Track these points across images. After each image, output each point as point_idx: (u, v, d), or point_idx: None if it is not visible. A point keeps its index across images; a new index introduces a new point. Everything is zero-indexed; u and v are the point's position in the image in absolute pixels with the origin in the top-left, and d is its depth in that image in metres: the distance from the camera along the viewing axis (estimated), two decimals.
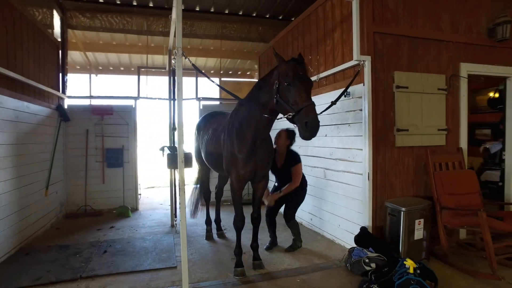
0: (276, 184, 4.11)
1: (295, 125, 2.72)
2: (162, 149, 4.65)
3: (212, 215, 4.76)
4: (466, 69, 4.01)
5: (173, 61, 2.86)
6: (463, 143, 4.03)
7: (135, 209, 6.29)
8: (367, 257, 3.15)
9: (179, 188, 2.84)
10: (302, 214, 4.98)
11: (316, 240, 4.34)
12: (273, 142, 3.60)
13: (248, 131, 3.07)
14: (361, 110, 3.64)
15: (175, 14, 3.73)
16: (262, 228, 3.61)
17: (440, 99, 3.89)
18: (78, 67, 9.04)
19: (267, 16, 7.44)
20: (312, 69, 4.74)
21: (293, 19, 7.59)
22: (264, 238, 4.16)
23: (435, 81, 3.85)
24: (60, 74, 6.04)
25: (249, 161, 3.12)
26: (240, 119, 3.16)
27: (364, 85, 3.56)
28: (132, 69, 9.49)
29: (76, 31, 6.73)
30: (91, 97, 6.41)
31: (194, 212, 4.86)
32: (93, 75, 8.96)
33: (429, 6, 3.88)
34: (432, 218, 3.48)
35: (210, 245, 4.27)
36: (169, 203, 6.89)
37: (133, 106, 6.37)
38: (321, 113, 2.70)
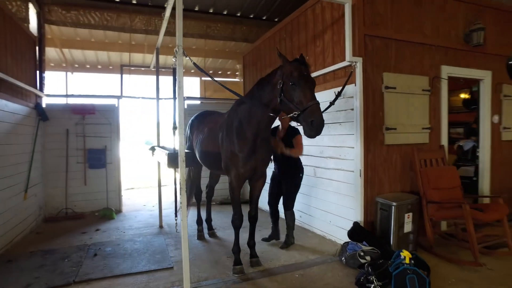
0: (274, 170, 4.12)
1: (298, 124, 2.79)
2: (153, 149, 4.57)
3: (203, 215, 4.75)
4: (446, 71, 4.27)
5: (173, 60, 2.83)
6: (444, 141, 4.29)
7: (118, 211, 6.12)
8: (361, 250, 3.28)
9: (180, 187, 2.83)
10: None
11: (307, 236, 4.44)
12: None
13: (249, 130, 3.11)
14: (352, 109, 3.78)
15: (169, 12, 3.72)
16: (244, 228, 3.64)
17: (424, 99, 4.12)
18: (53, 64, 8.64)
19: (251, 16, 7.50)
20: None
21: (276, 20, 7.71)
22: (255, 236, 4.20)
23: (420, 82, 4.07)
24: (38, 71, 5.75)
25: (249, 160, 3.16)
26: (240, 118, 3.18)
27: (355, 85, 3.70)
28: (110, 67, 9.22)
29: (53, 26, 6.44)
30: (71, 95, 6.17)
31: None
32: (68, 73, 8.63)
33: (413, 12, 4.10)
34: (419, 212, 3.69)
35: (203, 244, 4.26)
36: (153, 204, 6.86)
37: (116, 105, 6.19)
38: (323, 111, 2.78)
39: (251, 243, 3.52)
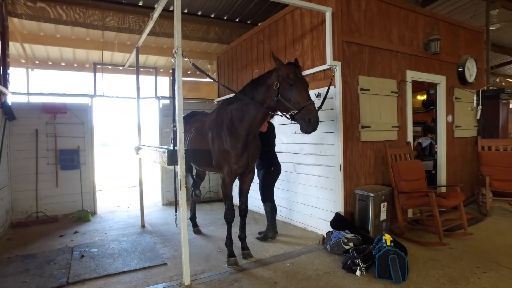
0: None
1: (292, 121, 3.04)
2: (138, 148, 4.55)
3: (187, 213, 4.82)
4: (411, 75, 4.79)
5: (172, 60, 2.93)
6: (410, 138, 4.80)
7: (93, 213, 5.94)
8: (345, 238, 3.61)
9: (180, 184, 2.94)
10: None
11: (289, 229, 4.71)
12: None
13: (241, 128, 3.29)
14: (332, 109, 4.11)
15: (158, 13, 3.79)
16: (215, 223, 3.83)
17: (393, 100, 4.58)
18: (8, 60, 8.07)
19: (225, 18, 7.64)
20: None
21: (249, 22, 7.94)
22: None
23: (389, 85, 4.52)
24: (1, 68, 5.41)
25: (241, 157, 3.35)
26: (232, 117, 3.36)
27: (335, 87, 4.03)
28: (75, 64, 8.83)
29: (14, 19, 6.07)
30: (41, 94, 5.85)
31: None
32: (29, 70, 8.11)
33: (383, 21, 4.54)
34: (391, 202, 4.12)
35: (191, 241, 4.33)
36: (128, 205, 6.74)
37: (89, 105, 6.00)
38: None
39: (242, 236, 3.70)
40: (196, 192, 4.49)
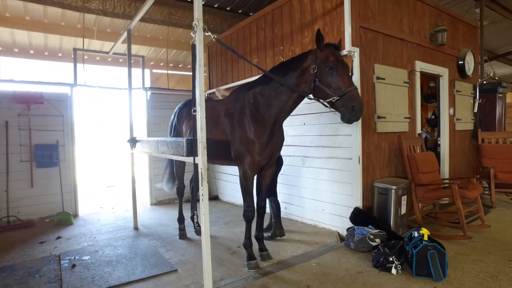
0: None
1: (331, 109, 2.75)
2: (133, 141, 4.06)
3: (185, 213, 4.41)
4: (419, 66, 4.68)
5: (192, 35, 2.53)
6: (418, 129, 4.70)
7: (75, 215, 5.32)
8: (370, 233, 3.39)
9: (201, 178, 2.55)
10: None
11: (298, 226, 4.43)
12: None
13: (268, 114, 2.95)
14: None
15: None
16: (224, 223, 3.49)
17: (405, 91, 4.44)
18: None
19: (216, 6, 7.22)
20: (285, 59, 4.81)
21: (240, 11, 7.58)
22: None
23: (401, 75, 4.38)
24: None
25: (267, 147, 3.01)
26: (256, 102, 3.01)
27: (353, 74, 3.80)
28: (46, 53, 7.97)
29: None
30: (11, 81, 5.11)
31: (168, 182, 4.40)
32: None
33: (395, 9, 4.39)
34: (409, 195, 3.96)
35: (195, 244, 3.93)
36: (112, 206, 6.15)
37: (69, 95, 5.35)
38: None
39: (260, 236, 3.37)
40: (180, 226, 4.21)
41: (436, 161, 4.31)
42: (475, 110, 5.72)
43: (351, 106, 2.55)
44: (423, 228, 2.92)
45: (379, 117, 4.05)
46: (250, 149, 2.98)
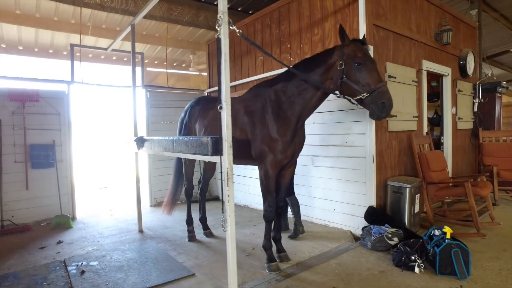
0: None
1: (358, 105, 2.69)
2: (140, 140, 3.89)
3: (194, 214, 4.27)
4: (426, 65, 4.71)
5: (217, 28, 2.43)
6: (425, 129, 4.72)
7: (73, 218, 5.09)
8: (388, 232, 3.36)
9: (227, 178, 2.45)
10: None
11: (308, 226, 4.37)
12: None
13: (291, 112, 2.88)
14: None
15: None
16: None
17: (413, 90, 4.45)
18: None
19: (215, 3, 7.09)
20: (292, 57, 4.76)
21: (239, 9, 7.47)
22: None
23: (410, 74, 4.39)
24: None
25: (290, 145, 2.93)
26: (279, 100, 2.93)
27: None
28: (36, 49, 7.64)
29: None
30: (4, 77, 4.84)
31: (170, 208, 4.25)
32: None
33: (403, 8, 4.40)
34: (421, 193, 3.96)
35: (207, 246, 3.82)
36: (110, 208, 5.94)
37: (66, 92, 5.12)
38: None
39: (278, 237, 3.28)
40: (189, 228, 4.10)
41: (444, 160, 4.34)
42: (475, 109, 5.82)
43: (381, 103, 2.51)
44: (445, 227, 2.91)
45: (390, 116, 4.02)
46: (272, 148, 2.89)
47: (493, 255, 3.24)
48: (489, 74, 5.97)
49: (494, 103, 5.83)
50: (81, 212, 5.51)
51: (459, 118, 5.56)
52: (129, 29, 4.44)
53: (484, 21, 9.16)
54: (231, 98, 3.80)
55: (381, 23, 3.97)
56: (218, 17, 2.43)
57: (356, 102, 2.69)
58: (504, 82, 5.89)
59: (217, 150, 2.47)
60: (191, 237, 4.03)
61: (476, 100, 5.79)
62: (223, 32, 2.42)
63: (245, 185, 5.83)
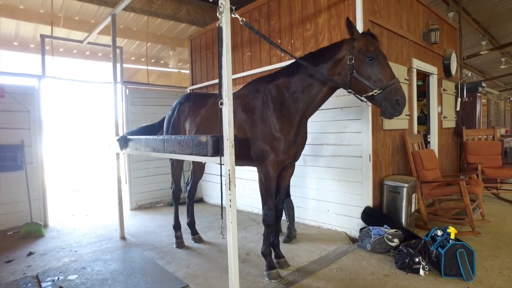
0: None
1: (369, 103, 2.56)
2: (124, 140, 3.56)
3: (181, 218, 4.01)
4: (416, 64, 4.70)
5: (218, 16, 2.20)
6: (416, 127, 4.72)
7: (45, 225, 4.65)
8: (388, 233, 3.27)
9: (229, 181, 2.23)
10: None
11: (300, 228, 4.22)
12: None
13: (294, 109, 2.70)
14: None
15: None
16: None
17: (405, 88, 4.41)
18: None
19: None
20: (283, 53, 4.59)
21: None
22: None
23: (402, 72, 4.35)
24: None
25: (293, 144, 2.75)
26: (281, 96, 2.73)
27: None
28: (15, 43, 6.98)
29: None
30: None
31: None
32: None
33: (396, 6, 4.35)
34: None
35: (197, 253, 3.56)
36: (86, 213, 5.52)
37: (37, 88, 4.66)
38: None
39: (276, 241, 3.10)
40: (177, 234, 3.83)
41: (436, 158, 4.35)
42: (458, 108, 5.93)
43: (395, 100, 2.38)
44: (450, 227, 2.85)
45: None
46: (275, 147, 2.69)
47: (490, 253, 3.23)
48: (469, 74, 6.11)
49: (475, 102, 5.98)
50: (54, 219, 5.05)
51: (444, 117, 5.64)
52: (109, 19, 4.09)
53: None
54: (212, 94, 3.58)
55: (376, 20, 3.89)
56: (219, 4, 2.20)
57: (365, 99, 2.56)
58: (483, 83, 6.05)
59: (217, 150, 2.24)
60: (179, 243, 3.76)
61: (459, 99, 5.90)
62: (225, 20, 2.20)
63: None
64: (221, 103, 2.20)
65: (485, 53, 10.50)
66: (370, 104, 2.65)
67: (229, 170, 2.21)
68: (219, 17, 2.22)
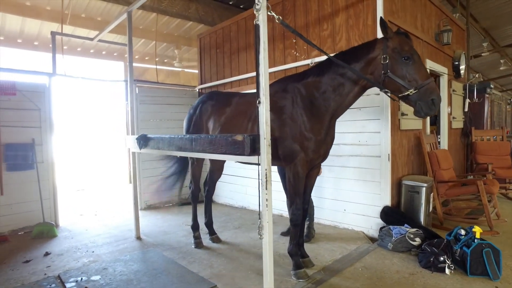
0: None
1: (402, 102, 2.56)
2: (143, 138, 3.52)
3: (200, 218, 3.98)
4: (429, 64, 4.73)
5: (255, 13, 2.19)
6: (428, 127, 4.75)
7: (56, 225, 4.58)
8: (409, 233, 3.29)
9: (266, 180, 2.22)
10: (282, 205, 4.74)
11: (317, 228, 4.20)
12: None
13: (325, 110, 2.70)
14: (378, 94, 3.75)
15: None
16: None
17: None
18: None
19: None
20: (298, 53, 4.59)
21: (230, 3, 7.20)
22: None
23: None
24: None
25: (323, 143, 2.75)
26: (310, 95, 2.73)
27: None
28: (2, 38, 6.86)
29: None
30: None
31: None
32: None
33: (412, 6, 4.38)
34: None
35: (218, 253, 3.54)
36: (95, 213, 5.46)
37: (47, 86, 4.59)
38: None
39: (301, 241, 3.09)
40: (195, 234, 3.82)
41: (450, 158, 4.39)
42: (466, 109, 5.99)
43: (431, 100, 2.39)
44: (475, 226, 2.87)
45: (402, 114, 3.99)
46: (305, 147, 2.69)
47: (510, 252, 3.27)
48: (477, 76, 6.18)
49: (483, 103, 6.05)
50: (64, 218, 4.98)
51: (453, 118, 5.69)
52: (124, 16, 4.03)
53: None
54: (250, 93, 3.57)
55: (394, 20, 3.90)
56: (256, 2, 2.18)
57: (397, 99, 2.56)
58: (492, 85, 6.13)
59: (254, 149, 2.22)
60: (198, 243, 3.73)
61: (468, 100, 5.96)
62: (262, 18, 2.20)
63: (243, 186, 5.58)
64: (259, 102, 2.18)
65: (486, 54, 10.62)
66: (401, 103, 2.66)
67: (266, 170, 2.20)
68: (256, 14, 2.21)
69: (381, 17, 2.61)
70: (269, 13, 2.26)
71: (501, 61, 12.07)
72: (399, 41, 2.50)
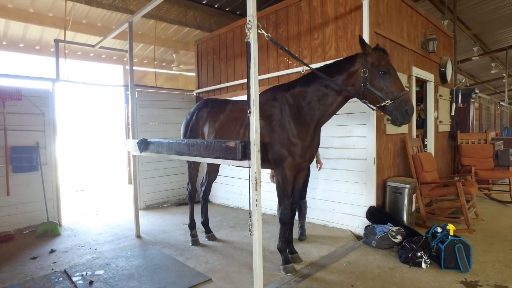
0: None
1: (381, 112, 2.80)
2: (144, 142, 3.75)
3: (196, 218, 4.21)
4: (415, 72, 4.99)
5: (247, 32, 2.42)
6: (414, 131, 5.01)
7: (59, 224, 4.79)
8: (391, 231, 3.54)
9: (256, 182, 2.46)
10: (275, 205, 4.98)
11: (307, 227, 4.42)
12: None
13: (310, 118, 2.94)
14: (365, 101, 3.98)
15: None
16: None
17: None
18: None
19: (204, 2, 7.00)
20: (291, 61, 4.83)
21: (227, 9, 7.43)
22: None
23: (403, 80, 4.60)
24: None
25: (309, 148, 2.99)
26: (298, 104, 2.97)
27: None
28: (4, 42, 7.06)
29: None
30: None
31: None
32: None
33: (397, 17, 4.63)
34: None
35: (213, 250, 3.77)
36: (96, 213, 5.67)
37: (51, 91, 4.80)
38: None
39: (290, 238, 3.34)
40: (192, 232, 4.04)
41: (434, 161, 4.65)
42: (453, 113, 6.26)
43: (405, 110, 2.64)
44: (449, 224, 3.13)
45: (388, 119, 4.23)
46: (292, 151, 2.93)
47: (483, 248, 3.53)
48: (463, 81, 6.44)
49: (469, 107, 6.32)
50: (66, 218, 5.20)
51: (440, 122, 5.95)
52: (125, 26, 4.26)
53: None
54: (243, 101, 3.81)
55: (380, 31, 4.15)
56: (247, 21, 2.43)
57: (374, 108, 2.81)
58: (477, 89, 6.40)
59: (245, 154, 2.46)
60: (195, 241, 3.96)
61: (454, 105, 6.22)
62: (253, 36, 2.43)
63: (237, 187, 5.81)
64: (249, 112, 2.42)
65: (476, 58, 10.91)
66: (380, 112, 2.90)
67: (255, 173, 2.44)
68: (247, 33, 2.44)
69: (360, 36, 2.86)
70: (259, 31, 2.49)
71: (492, 64, 12.38)
72: (377, 56, 2.74)
